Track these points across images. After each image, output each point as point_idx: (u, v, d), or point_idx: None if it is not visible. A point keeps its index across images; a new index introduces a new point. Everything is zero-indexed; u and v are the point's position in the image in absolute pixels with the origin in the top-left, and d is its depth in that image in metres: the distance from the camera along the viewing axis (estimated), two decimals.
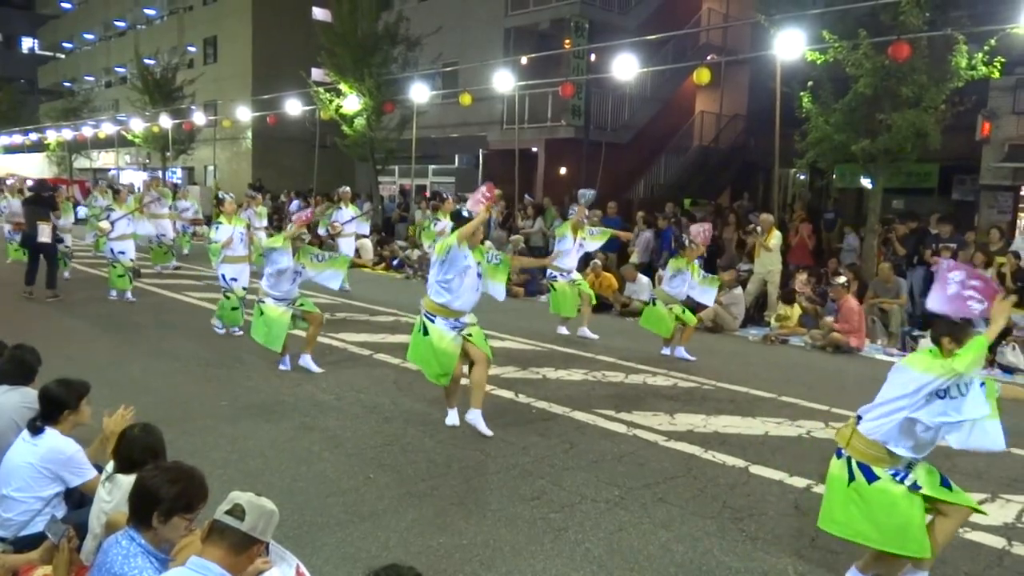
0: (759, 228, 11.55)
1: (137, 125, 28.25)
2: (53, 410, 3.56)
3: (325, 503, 4.40)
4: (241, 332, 8.76)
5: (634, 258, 13.58)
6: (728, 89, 22.17)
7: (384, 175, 22.22)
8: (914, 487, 3.40)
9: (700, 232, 8.64)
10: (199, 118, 26.06)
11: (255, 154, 31.31)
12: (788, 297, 10.60)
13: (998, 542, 4.19)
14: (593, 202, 10.33)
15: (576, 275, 9.58)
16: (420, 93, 17.92)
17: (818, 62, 11.31)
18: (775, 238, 11.33)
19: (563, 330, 9.70)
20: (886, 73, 10.71)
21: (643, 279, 12.22)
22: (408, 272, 15.87)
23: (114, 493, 3.18)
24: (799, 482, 4.97)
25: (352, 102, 19.11)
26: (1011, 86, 12.95)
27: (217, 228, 9.20)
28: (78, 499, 3.59)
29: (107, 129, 30.85)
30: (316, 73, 21.90)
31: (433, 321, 5.69)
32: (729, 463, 5.28)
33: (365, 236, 15.86)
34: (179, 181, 32.75)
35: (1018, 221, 12.13)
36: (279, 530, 3.91)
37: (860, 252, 12.50)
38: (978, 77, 10.63)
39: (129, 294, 11.05)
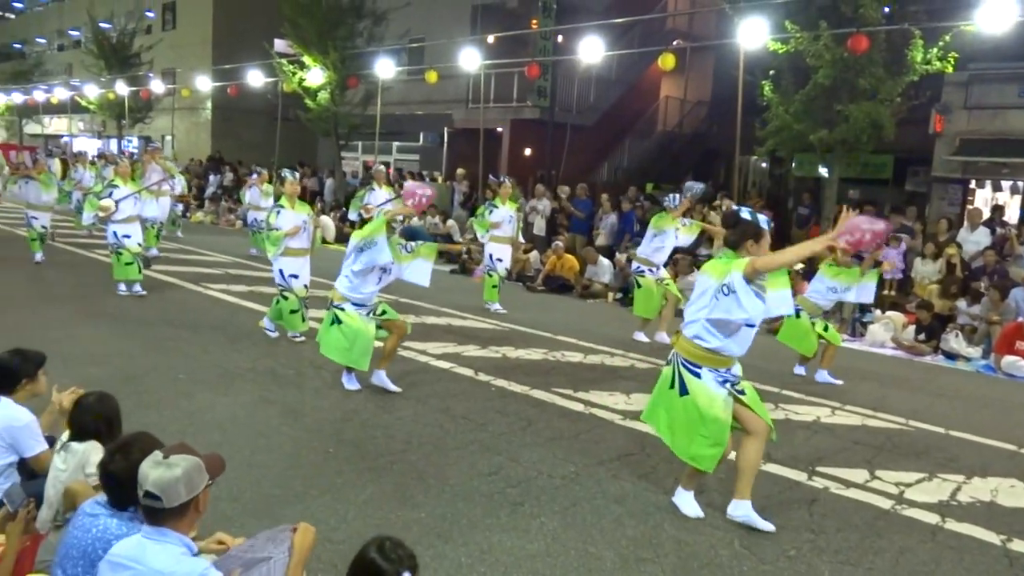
0: (722, 207, 11.66)
1: (92, 91, 27.40)
2: (9, 379, 3.52)
3: (284, 476, 4.43)
4: (302, 338, 7.62)
5: (599, 240, 13.70)
6: (693, 75, 22.32)
7: (347, 151, 21.96)
8: None
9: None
10: (157, 86, 25.37)
11: (215, 125, 30.63)
12: None
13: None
14: (700, 197, 9.44)
15: (664, 273, 8.78)
16: (386, 69, 17.71)
17: (780, 52, 11.48)
18: None
19: (641, 336, 8.80)
20: (845, 65, 10.92)
21: (604, 262, 12.37)
22: None
23: (69, 461, 3.17)
24: None
25: (316, 75, 18.81)
26: (964, 81, 13.28)
27: (279, 213, 7.48)
28: (29, 471, 3.56)
29: (60, 94, 29.85)
30: (279, 44, 21.46)
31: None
32: None
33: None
34: (135, 151, 31.91)
35: (965, 213, 12.55)
36: (237, 503, 3.98)
37: None
38: (932, 72, 10.94)
39: (139, 287, 9.50)
